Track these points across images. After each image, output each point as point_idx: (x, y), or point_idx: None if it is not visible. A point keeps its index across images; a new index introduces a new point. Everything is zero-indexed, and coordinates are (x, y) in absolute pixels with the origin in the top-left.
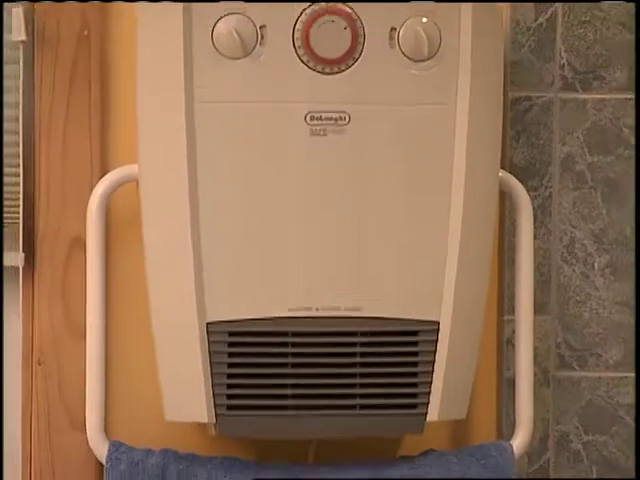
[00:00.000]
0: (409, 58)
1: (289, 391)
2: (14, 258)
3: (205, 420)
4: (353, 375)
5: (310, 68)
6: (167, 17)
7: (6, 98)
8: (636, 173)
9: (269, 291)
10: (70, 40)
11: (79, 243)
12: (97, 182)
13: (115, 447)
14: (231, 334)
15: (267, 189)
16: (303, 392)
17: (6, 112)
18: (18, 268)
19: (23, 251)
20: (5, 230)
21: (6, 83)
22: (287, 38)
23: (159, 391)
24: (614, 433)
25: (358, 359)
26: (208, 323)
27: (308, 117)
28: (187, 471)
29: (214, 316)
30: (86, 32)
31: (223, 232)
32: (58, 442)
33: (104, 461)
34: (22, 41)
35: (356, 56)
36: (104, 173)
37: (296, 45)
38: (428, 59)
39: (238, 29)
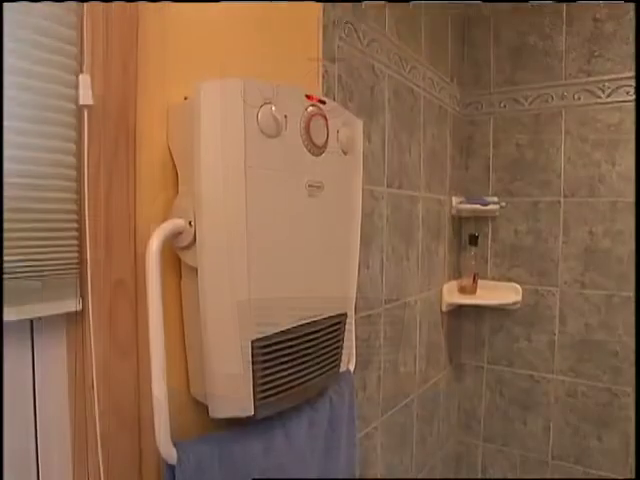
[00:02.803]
0: (343, 152)
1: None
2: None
3: (250, 412)
4: (321, 354)
5: (309, 151)
6: (229, 97)
7: (60, 158)
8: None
9: (286, 311)
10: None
11: (121, 284)
12: (132, 234)
13: (182, 448)
14: (266, 346)
15: (282, 231)
16: (302, 372)
17: (63, 172)
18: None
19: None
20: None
21: (61, 145)
22: (298, 128)
23: None
24: None
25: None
26: (252, 341)
27: (307, 185)
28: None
29: (256, 335)
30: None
31: (264, 268)
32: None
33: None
34: (87, 105)
35: (326, 146)
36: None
37: (302, 134)
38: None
39: (275, 115)
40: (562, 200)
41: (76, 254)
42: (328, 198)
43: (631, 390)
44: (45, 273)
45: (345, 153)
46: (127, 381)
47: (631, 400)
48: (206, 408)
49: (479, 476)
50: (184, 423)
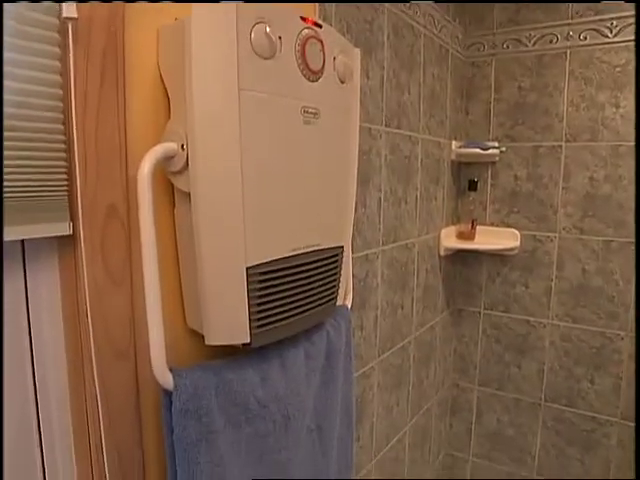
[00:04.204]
0: (340, 80)
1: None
2: (62, 227)
3: (246, 340)
4: (318, 286)
5: (304, 75)
6: (222, 17)
7: (45, 76)
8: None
9: (281, 239)
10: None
11: (113, 209)
12: (123, 158)
13: (178, 374)
14: (261, 274)
15: (277, 157)
16: (298, 303)
17: (47, 90)
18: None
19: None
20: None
21: (44, 62)
22: (293, 50)
23: None
24: None
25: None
26: (247, 267)
27: (302, 111)
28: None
29: (251, 262)
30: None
31: (258, 194)
32: (104, 371)
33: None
34: (71, 18)
35: (322, 72)
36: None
37: (297, 57)
38: (344, 83)
39: (269, 35)
40: (563, 145)
41: (65, 176)
42: (324, 126)
43: (624, 334)
44: (33, 195)
45: (342, 82)
46: (122, 309)
47: (624, 344)
48: (202, 338)
49: (473, 418)
50: (180, 354)
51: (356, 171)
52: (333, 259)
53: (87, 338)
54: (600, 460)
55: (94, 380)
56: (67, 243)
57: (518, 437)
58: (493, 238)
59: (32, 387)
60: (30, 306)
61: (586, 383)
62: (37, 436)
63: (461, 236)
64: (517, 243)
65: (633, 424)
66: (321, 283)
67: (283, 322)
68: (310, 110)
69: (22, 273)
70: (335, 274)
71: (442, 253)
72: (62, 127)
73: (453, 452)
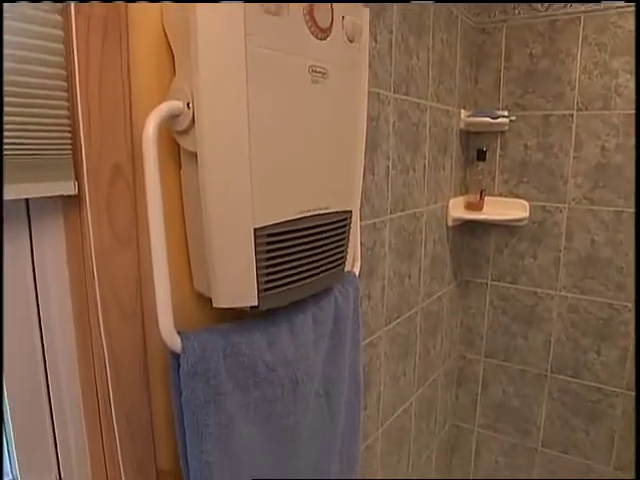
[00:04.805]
0: (349, 39)
1: (303, 267)
2: (67, 187)
3: (254, 302)
4: (326, 250)
5: (312, 33)
6: None
7: (45, 30)
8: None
9: (289, 200)
10: None
11: (118, 169)
12: (128, 117)
13: (186, 336)
14: (269, 235)
15: (285, 116)
16: (306, 267)
17: (48, 45)
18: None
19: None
20: (55, 161)
21: (44, 15)
22: (300, 7)
23: None
24: None
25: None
26: (255, 229)
27: (310, 69)
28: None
29: (259, 223)
30: None
31: (266, 154)
32: (112, 332)
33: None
34: None
35: (331, 30)
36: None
37: (305, 14)
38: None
39: None
40: (575, 113)
41: (69, 134)
42: (333, 86)
43: (632, 305)
44: (36, 153)
45: (351, 41)
46: (128, 271)
47: (631, 315)
48: (210, 302)
49: (479, 389)
50: (188, 317)
51: (365, 134)
52: (341, 223)
53: (94, 299)
54: (605, 431)
55: (102, 341)
56: (72, 203)
57: (523, 408)
58: (502, 209)
59: (40, 349)
60: (36, 267)
61: (592, 354)
62: (46, 399)
63: (469, 207)
64: (526, 214)
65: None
66: (329, 247)
67: (291, 285)
68: (318, 69)
69: (27, 233)
70: (343, 239)
71: (450, 224)
72: (64, 84)
73: (459, 423)
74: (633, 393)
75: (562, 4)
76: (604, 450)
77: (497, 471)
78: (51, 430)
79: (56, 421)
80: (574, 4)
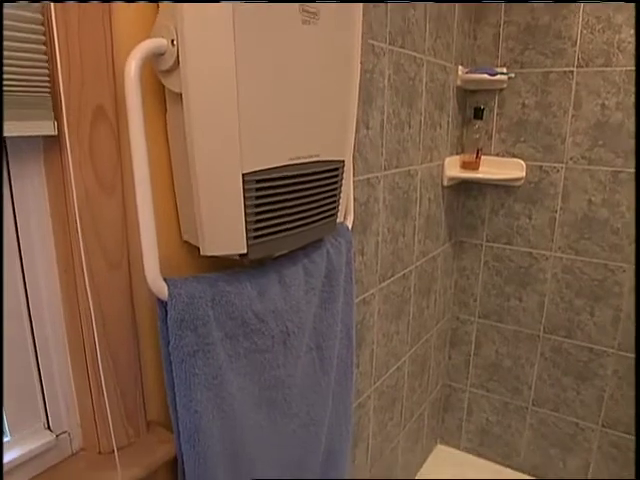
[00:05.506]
0: None
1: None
2: (46, 127)
3: (243, 250)
4: (317, 200)
5: None
6: None
7: None
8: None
9: (279, 146)
10: None
11: (101, 111)
12: (110, 55)
13: (172, 283)
14: (258, 181)
15: (274, 56)
16: (298, 215)
17: None
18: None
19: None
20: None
21: None
22: None
23: None
24: None
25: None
26: (244, 174)
27: (301, 9)
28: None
29: (247, 168)
30: None
31: (254, 95)
32: (98, 282)
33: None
34: None
35: None
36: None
37: None
38: None
39: None
40: (575, 70)
41: (46, 70)
42: (324, 29)
43: (627, 266)
44: (11, 89)
45: None
46: (114, 218)
47: (626, 276)
48: (198, 251)
49: (472, 349)
50: (176, 268)
51: (358, 82)
52: (333, 173)
53: (78, 248)
54: (595, 389)
55: (87, 292)
56: (53, 146)
57: (516, 368)
58: (498, 168)
59: (24, 301)
60: (17, 214)
61: (586, 315)
62: (32, 350)
63: (465, 166)
64: (522, 174)
65: (629, 354)
66: (321, 197)
67: (281, 234)
68: (310, 9)
69: (7, 179)
70: (335, 189)
71: (445, 183)
72: (40, 16)
73: (451, 383)
74: (624, 353)
75: None
76: (593, 408)
77: (488, 429)
78: (38, 381)
79: (43, 372)
80: None
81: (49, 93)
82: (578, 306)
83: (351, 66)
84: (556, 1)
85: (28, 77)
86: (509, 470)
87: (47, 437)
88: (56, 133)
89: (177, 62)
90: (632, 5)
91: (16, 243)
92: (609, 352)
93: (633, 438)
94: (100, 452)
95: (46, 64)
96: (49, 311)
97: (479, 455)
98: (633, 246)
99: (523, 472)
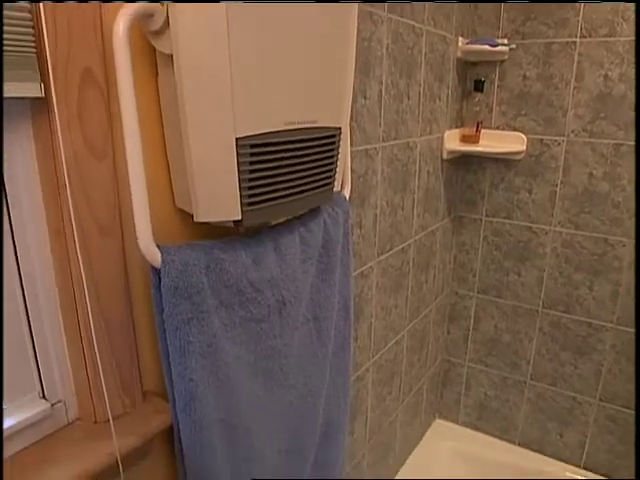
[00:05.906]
0: None
1: (289, 183)
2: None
3: (237, 217)
4: (313, 167)
5: None
6: None
7: None
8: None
9: (274, 110)
10: None
11: (89, 74)
12: (97, 15)
13: (166, 250)
14: (253, 146)
15: (265, 18)
16: (294, 183)
17: None
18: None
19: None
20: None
21: None
22: None
23: None
24: None
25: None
26: (237, 138)
27: None
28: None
29: (241, 132)
30: None
31: (247, 57)
32: (90, 249)
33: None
34: None
35: None
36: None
37: None
38: None
39: None
40: (578, 41)
41: (31, 29)
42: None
43: (627, 241)
44: None
45: None
46: (104, 183)
47: (625, 250)
48: (192, 219)
49: (471, 324)
50: (170, 236)
51: (355, 47)
52: (330, 140)
53: (68, 211)
54: (592, 364)
55: (78, 258)
56: (41, 109)
57: (514, 343)
58: (498, 142)
59: (16, 269)
60: (6, 179)
61: (585, 289)
62: (25, 319)
63: (465, 139)
64: (523, 147)
65: (628, 329)
66: (317, 164)
67: (277, 201)
68: None
69: None
70: (332, 157)
71: (445, 156)
72: None
73: (450, 357)
74: (623, 328)
75: None
76: (591, 382)
77: (486, 404)
78: (32, 349)
79: (36, 340)
80: None
81: (35, 53)
82: (577, 281)
83: (348, 29)
84: None
85: (12, 35)
86: (507, 444)
87: (42, 406)
88: (43, 95)
89: (167, 22)
90: None
91: (6, 208)
92: (608, 327)
93: (630, 412)
94: (96, 421)
95: (31, 22)
96: (40, 277)
97: (477, 429)
98: (633, 220)
99: (521, 445)
